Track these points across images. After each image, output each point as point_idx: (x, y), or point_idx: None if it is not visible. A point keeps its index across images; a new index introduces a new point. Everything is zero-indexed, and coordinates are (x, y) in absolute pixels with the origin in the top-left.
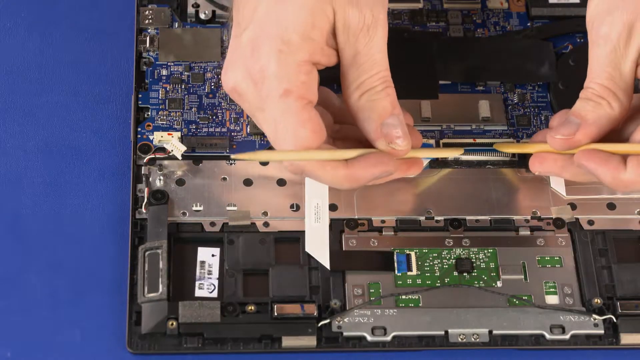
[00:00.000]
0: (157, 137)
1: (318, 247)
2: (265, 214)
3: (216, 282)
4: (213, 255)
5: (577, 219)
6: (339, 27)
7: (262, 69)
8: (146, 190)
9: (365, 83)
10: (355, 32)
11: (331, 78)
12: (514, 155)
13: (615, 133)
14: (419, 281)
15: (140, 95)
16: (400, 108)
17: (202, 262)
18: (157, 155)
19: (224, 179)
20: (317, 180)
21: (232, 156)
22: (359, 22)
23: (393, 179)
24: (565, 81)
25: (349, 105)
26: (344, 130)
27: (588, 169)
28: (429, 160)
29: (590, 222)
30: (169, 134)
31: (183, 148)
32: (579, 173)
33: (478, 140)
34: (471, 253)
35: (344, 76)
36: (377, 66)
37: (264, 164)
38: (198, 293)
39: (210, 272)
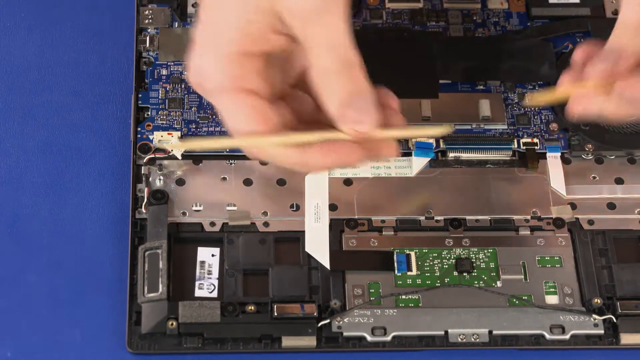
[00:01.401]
0: (157, 137)
1: (318, 247)
2: (265, 214)
3: (216, 282)
4: (213, 255)
5: (577, 219)
6: (284, 13)
7: (200, 67)
8: (146, 190)
9: (320, 65)
10: (302, 17)
11: None
12: (514, 154)
13: None
14: (419, 281)
15: (140, 95)
16: (369, 88)
17: (202, 262)
18: (157, 155)
19: (224, 178)
20: (271, 162)
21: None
22: (303, 8)
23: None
24: None
25: (314, 89)
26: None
27: (635, 96)
28: (429, 159)
29: (590, 222)
30: (169, 134)
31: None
32: (621, 105)
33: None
34: (471, 253)
35: (296, 53)
36: (332, 48)
37: (264, 163)
38: (198, 293)
39: (210, 272)
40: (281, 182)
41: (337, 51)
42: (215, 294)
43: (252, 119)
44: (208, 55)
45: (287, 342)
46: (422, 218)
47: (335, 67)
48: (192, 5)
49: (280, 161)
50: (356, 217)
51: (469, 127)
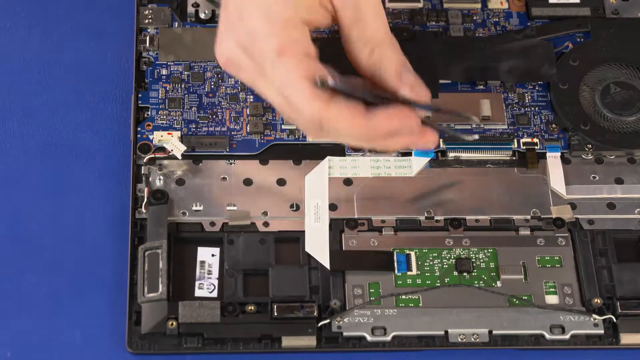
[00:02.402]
0: (157, 137)
1: (318, 247)
2: (265, 214)
3: (216, 282)
4: (213, 255)
5: (577, 219)
6: None
7: (251, 32)
8: (146, 190)
9: (374, 37)
10: None
11: None
12: (514, 154)
13: None
14: (418, 281)
15: (140, 95)
16: None
17: (202, 262)
18: (157, 155)
19: (224, 178)
20: (334, 136)
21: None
22: None
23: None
24: (565, 81)
25: (359, 64)
26: None
27: None
28: (429, 159)
29: (590, 222)
30: (168, 134)
31: (183, 148)
32: None
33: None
34: (471, 253)
35: (347, 36)
36: (380, 17)
37: (264, 163)
38: (198, 293)
39: (210, 272)
40: (281, 182)
41: (382, 20)
42: (215, 294)
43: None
44: (260, 18)
45: (287, 342)
46: (422, 218)
47: (388, 37)
48: (192, 5)
49: (345, 127)
50: (356, 217)
51: (468, 127)
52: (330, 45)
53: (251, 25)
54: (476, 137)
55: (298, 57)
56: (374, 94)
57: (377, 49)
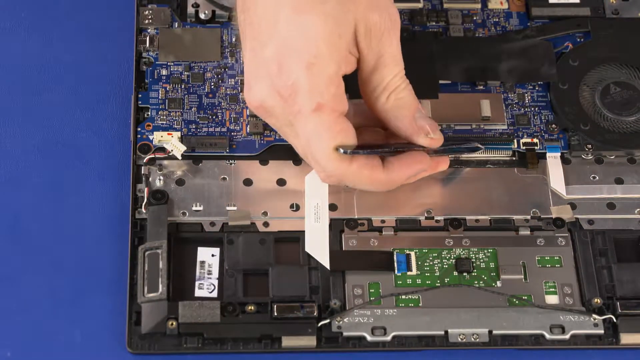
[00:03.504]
0: (157, 137)
1: (318, 247)
2: (265, 214)
3: (216, 282)
4: (213, 255)
5: (577, 219)
6: (361, 33)
7: (293, 84)
8: (146, 190)
9: (391, 83)
10: (377, 36)
11: None
12: (514, 154)
13: None
14: (418, 281)
15: (140, 95)
16: None
17: (202, 262)
18: (157, 155)
19: (224, 179)
20: (356, 187)
21: None
22: (380, 26)
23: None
24: (565, 81)
25: (375, 108)
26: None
27: None
28: None
29: (590, 222)
30: (168, 134)
31: (183, 148)
32: None
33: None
34: (471, 253)
35: (366, 81)
36: (399, 65)
37: (264, 163)
38: (198, 293)
39: (210, 272)
40: (281, 182)
41: (400, 66)
42: (215, 294)
43: (346, 141)
44: (303, 72)
45: (287, 342)
46: (422, 218)
47: (405, 84)
48: (192, 6)
49: (365, 182)
50: (356, 217)
51: (468, 127)
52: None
53: (294, 78)
54: (481, 149)
55: (334, 115)
56: (388, 147)
57: (393, 95)
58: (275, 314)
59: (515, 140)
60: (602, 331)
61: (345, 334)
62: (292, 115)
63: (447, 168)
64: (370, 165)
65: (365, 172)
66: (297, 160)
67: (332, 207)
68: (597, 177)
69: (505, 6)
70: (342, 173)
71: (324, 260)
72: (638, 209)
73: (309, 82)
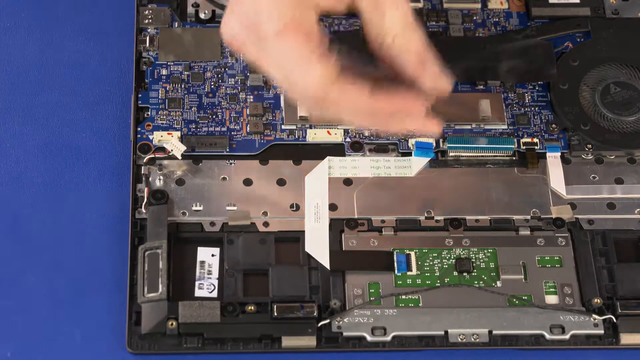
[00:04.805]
0: (157, 137)
1: (318, 247)
2: (265, 214)
3: (216, 282)
4: (213, 255)
5: (577, 219)
6: None
7: (256, 9)
8: (146, 190)
9: (394, 26)
10: None
11: None
12: (514, 154)
13: None
14: (418, 281)
15: (140, 95)
16: None
17: (202, 262)
18: (157, 155)
19: (224, 178)
20: (335, 113)
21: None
22: None
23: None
24: (565, 81)
25: (380, 52)
26: None
27: None
28: (429, 159)
29: (590, 222)
30: (168, 134)
31: (183, 148)
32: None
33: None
34: (471, 253)
35: (368, 24)
36: (400, 7)
37: (264, 163)
38: (198, 293)
39: (210, 272)
40: (281, 182)
41: (406, 11)
42: (215, 294)
43: (320, 61)
44: None
45: (287, 342)
46: (422, 218)
47: (410, 26)
48: (192, 5)
49: (348, 108)
50: (356, 217)
51: (469, 127)
52: (350, 40)
53: (259, 4)
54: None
55: (300, 36)
56: (383, 74)
57: (398, 38)
58: (275, 314)
59: (515, 140)
60: (602, 331)
61: (345, 334)
62: (261, 41)
63: (438, 134)
64: (355, 88)
65: (349, 91)
66: (297, 160)
67: (332, 207)
68: (597, 177)
69: (505, 6)
70: (325, 90)
71: (324, 260)
72: (638, 209)
73: (271, 6)
